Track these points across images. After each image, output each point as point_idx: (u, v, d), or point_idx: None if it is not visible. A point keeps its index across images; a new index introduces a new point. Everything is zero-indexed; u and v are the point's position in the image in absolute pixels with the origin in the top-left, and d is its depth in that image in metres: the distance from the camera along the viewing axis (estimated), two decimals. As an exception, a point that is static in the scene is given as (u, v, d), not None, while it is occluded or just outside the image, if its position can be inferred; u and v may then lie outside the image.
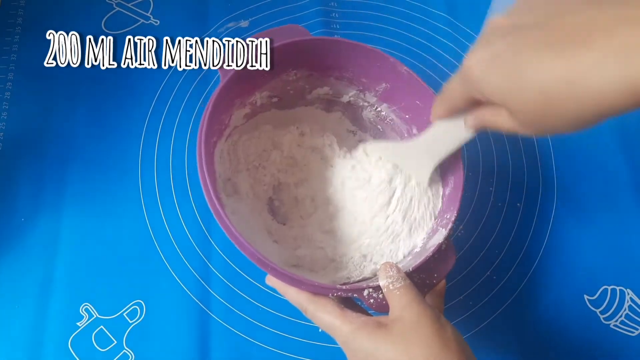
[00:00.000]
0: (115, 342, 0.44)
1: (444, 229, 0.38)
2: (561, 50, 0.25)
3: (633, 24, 0.24)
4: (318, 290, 0.35)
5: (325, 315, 0.34)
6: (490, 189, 0.51)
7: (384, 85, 0.45)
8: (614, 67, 0.24)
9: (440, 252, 0.38)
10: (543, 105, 0.26)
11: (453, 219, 0.38)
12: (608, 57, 0.24)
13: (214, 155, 0.42)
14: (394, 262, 0.36)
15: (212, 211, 0.36)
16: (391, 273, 0.35)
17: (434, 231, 0.40)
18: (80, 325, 0.44)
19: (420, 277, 0.37)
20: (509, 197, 0.51)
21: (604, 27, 0.24)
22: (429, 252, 0.37)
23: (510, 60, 0.27)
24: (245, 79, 0.42)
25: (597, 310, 0.47)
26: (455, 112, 0.35)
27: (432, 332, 0.31)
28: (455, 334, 0.32)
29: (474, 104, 0.32)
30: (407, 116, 0.46)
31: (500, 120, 0.31)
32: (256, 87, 0.45)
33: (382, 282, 0.35)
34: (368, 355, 0.32)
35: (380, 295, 0.35)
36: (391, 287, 0.34)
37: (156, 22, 0.58)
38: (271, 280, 0.37)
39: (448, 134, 0.38)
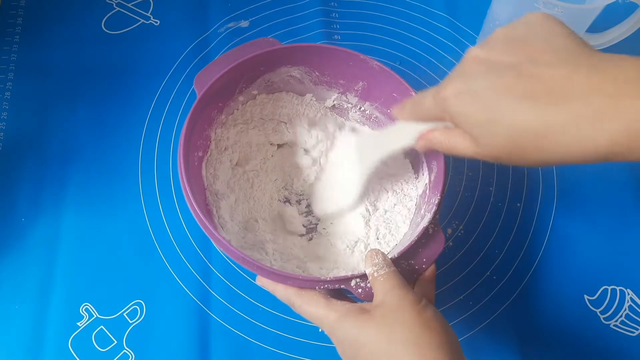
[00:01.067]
0: (116, 342, 0.44)
1: (429, 214, 0.39)
2: (536, 103, 0.27)
3: (605, 93, 0.26)
4: (304, 285, 0.36)
5: (312, 307, 0.35)
6: (490, 189, 0.51)
7: (360, 83, 0.46)
8: (584, 131, 0.26)
9: (428, 237, 0.38)
10: (510, 146, 0.29)
11: (437, 202, 0.39)
12: (580, 121, 0.26)
13: (201, 167, 0.44)
14: (380, 250, 0.37)
15: (193, 215, 0.37)
16: (376, 260, 0.35)
17: (421, 217, 0.41)
18: (80, 325, 0.44)
19: (408, 263, 0.37)
20: (509, 197, 0.51)
21: (579, 90, 0.26)
22: (414, 237, 0.37)
23: (488, 99, 0.29)
24: (222, 95, 0.44)
25: (597, 311, 0.47)
26: (420, 121, 0.36)
27: (413, 316, 0.31)
28: (436, 316, 0.32)
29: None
30: (388, 111, 0.46)
31: (460, 145, 0.32)
32: (236, 102, 0.46)
33: (367, 270, 0.35)
34: (352, 341, 0.32)
35: (368, 285, 0.36)
36: (376, 275, 0.35)
37: (156, 22, 0.58)
38: (261, 281, 0.37)
39: (403, 135, 0.38)
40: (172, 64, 0.55)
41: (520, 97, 0.28)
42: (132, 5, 0.58)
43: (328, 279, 0.35)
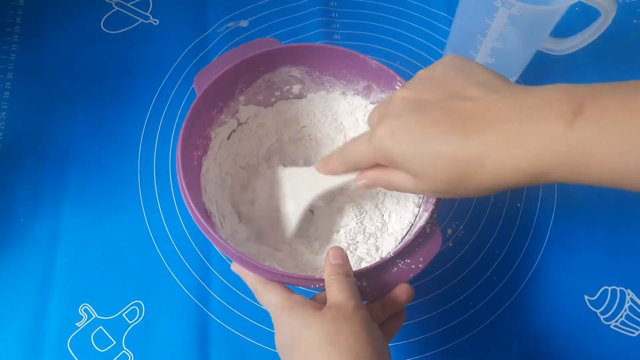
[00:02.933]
0: (115, 342, 0.43)
1: (427, 213, 0.39)
2: (465, 133, 0.28)
3: (516, 118, 0.27)
4: (299, 283, 0.36)
5: (271, 295, 0.36)
6: (491, 189, 0.51)
7: (361, 83, 0.46)
8: (508, 154, 0.27)
9: (425, 237, 0.38)
10: (450, 177, 0.30)
11: (434, 201, 0.39)
12: (504, 144, 0.27)
13: (200, 167, 0.43)
14: (343, 249, 0.37)
15: (191, 214, 0.38)
16: (338, 262, 0.36)
17: (419, 217, 0.41)
18: (79, 325, 0.44)
19: (405, 262, 0.37)
20: (509, 198, 0.51)
21: (501, 116, 0.28)
22: (411, 236, 0.37)
23: (420, 135, 0.30)
24: (222, 95, 0.44)
25: (598, 311, 0.47)
26: (354, 171, 0.36)
27: (363, 329, 0.32)
28: (382, 340, 0.33)
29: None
30: None
31: (401, 181, 0.33)
32: (237, 102, 0.46)
33: (325, 273, 0.35)
34: (295, 330, 0.33)
35: (364, 283, 0.36)
36: (332, 277, 0.35)
37: (155, 22, 0.57)
38: (235, 266, 0.38)
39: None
40: (172, 64, 0.55)
41: (450, 131, 0.29)
42: (131, 4, 0.58)
43: (295, 274, 0.36)
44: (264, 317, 0.45)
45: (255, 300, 0.45)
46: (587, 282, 0.48)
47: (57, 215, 0.48)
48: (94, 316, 0.44)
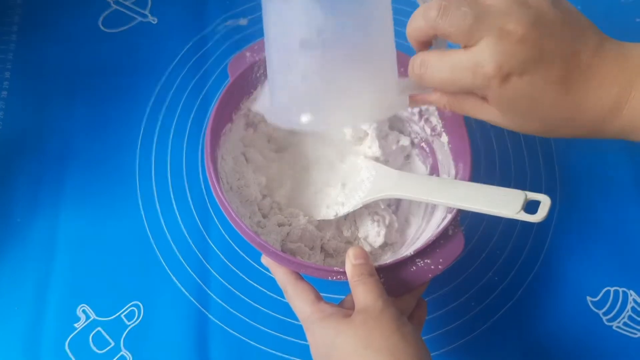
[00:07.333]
0: (113, 343, 0.43)
1: (450, 214, 0.38)
2: (570, 90, 0.29)
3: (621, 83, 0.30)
4: (318, 274, 0.36)
5: (300, 301, 0.36)
6: (492, 189, 0.51)
7: None
8: (605, 113, 0.30)
9: (447, 238, 0.38)
10: (545, 129, 0.33)
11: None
12: (602, 104, 0.30)
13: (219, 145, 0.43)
14: (364, 249, 0.37)
15: (212, 191, 0.38)
16: (360, 261, 0.35)
17: (442, 218, 0.41)
18: (77, 326, 0.43)
19: (424, 261, 0.37)
20: (510, 197, 0.51)
21: (606, 78, 0.29)
22: (433, 236, 0.37)
23: (535, 91, 0.30)
24: (253, 82, 0.43)
25: (600, 312, 0.47)
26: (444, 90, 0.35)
27: (393, 327, 0.32)
28: (414, 332, 0.33)
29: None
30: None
31: (484, 114, 0.33)
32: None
33: (348, 272, 0.35)
34: (329, 341, 0.33)
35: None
36: (357, 279, 0.34)
37: (154, 21, 0.57)
38: (266, 259, 0.38)
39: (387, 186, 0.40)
40: (170, 63, 0.54)
41: (559, 88, 0.29)
42: (129, 3, 0.58)
43: (341, 269, 0.36)
44: (263, 318, 0.45)
45: (255, 301, 0.45)
46: (589, 283, 0.47)
47: (55, 215, 0.47)
48: (92, 317, 0.44)
